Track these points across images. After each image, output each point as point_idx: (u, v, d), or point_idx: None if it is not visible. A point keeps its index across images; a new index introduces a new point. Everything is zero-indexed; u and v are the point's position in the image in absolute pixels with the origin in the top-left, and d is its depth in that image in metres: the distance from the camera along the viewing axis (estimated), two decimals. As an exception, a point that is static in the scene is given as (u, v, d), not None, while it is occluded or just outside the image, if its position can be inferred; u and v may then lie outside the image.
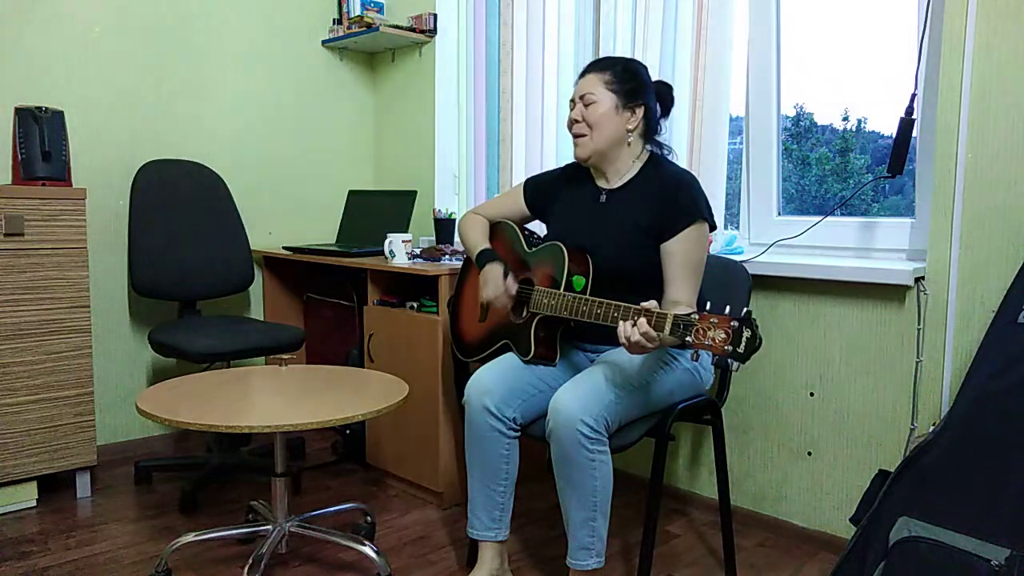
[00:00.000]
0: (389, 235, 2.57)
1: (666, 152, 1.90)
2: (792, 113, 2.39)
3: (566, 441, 1.63)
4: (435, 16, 3.18)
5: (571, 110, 1.85)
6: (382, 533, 2.24)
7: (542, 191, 2.02)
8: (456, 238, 2.87)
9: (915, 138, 2.03)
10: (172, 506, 2.43)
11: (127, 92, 2.86)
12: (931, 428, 1.68)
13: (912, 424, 1.98)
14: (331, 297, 3.19)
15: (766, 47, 2.30)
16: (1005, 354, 1.59)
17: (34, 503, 2.41)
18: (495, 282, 1.86)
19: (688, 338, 1.46)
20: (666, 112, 1.89)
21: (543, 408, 1.78)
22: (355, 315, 3.00)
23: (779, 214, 2.37)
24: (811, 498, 2.19)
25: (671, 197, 1.77)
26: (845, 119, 2.35)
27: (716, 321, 1.43)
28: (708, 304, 1.53)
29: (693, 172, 2.21)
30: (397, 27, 3.18)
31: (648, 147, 1.88)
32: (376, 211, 3.09)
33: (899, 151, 2.00)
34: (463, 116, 3.26)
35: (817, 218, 2.22)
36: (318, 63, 3.38)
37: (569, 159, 1.97)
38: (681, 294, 1.74)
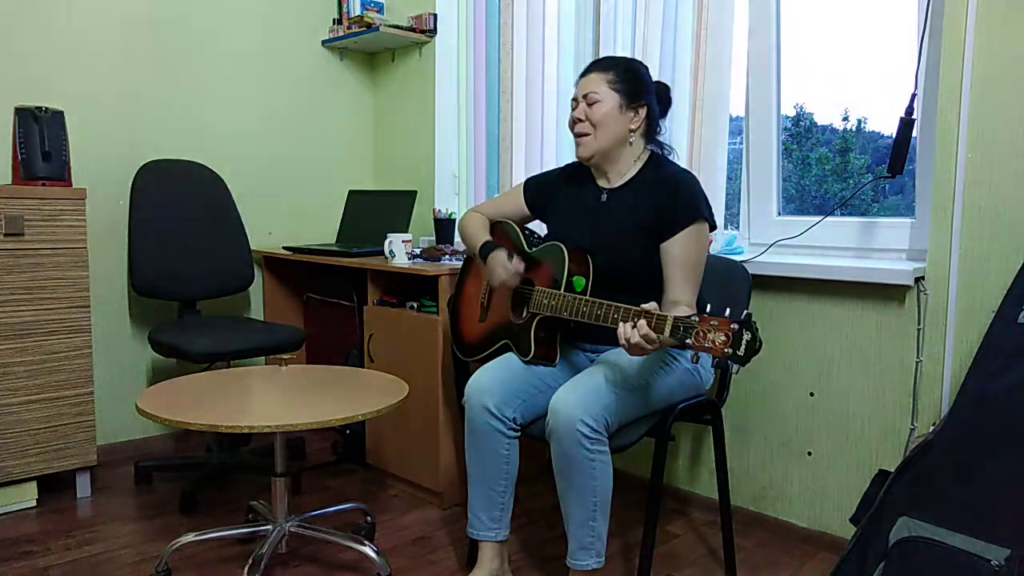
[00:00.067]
0: (389, 235, 2.57)
1: (667, 152, 1.90)
2: (792, 113, 2.39)
3: (566, 441, 1.63)
4: (435, 16, 3.18)
5: (573, 109, 1.84)
6: (382, 533, 2.24)
7: (542, 191, 2.02)
8: (456, 238, 2.87)
9: (915, 138, 2.03)
10: (172, 506, 2.43)
11: (127, 92, 2.86)
12: (931, 428, 1.68)
13: (912, 424, 1.98)
14: (331, 297, 3.19)
15: (766, 47, 2.30)
16: (1005, 354, 1.59)
17: (34, 503, 2.41)
18: (502, 266, 1.85)
19: (688, 340, 1.46)
20: (664, 112, 1.90)
21: (543, 408, 1.78)
22: (355, 315, 3.00)
23: (779, 214, 2.37)
24: (811, 498, 2.19)
25: (671, 197, 1.77)
26: (845, 119, 2.35)
27: (716, 324, 1.43)
28: (708, 306, 1.53)
29: (693, 172, 2.21)
30: (397, 27, 3.18)
31: (649, 147, 1.88)
32: (376, 211, 3.08)
33: (899, 151, 2.00)
34: (463, 116, 3.26)
35: (817, 218, 2.22)
36: (318, 63, 3.38)
37: (569, 159, 1.97)
38: (681, 294, 1.74)
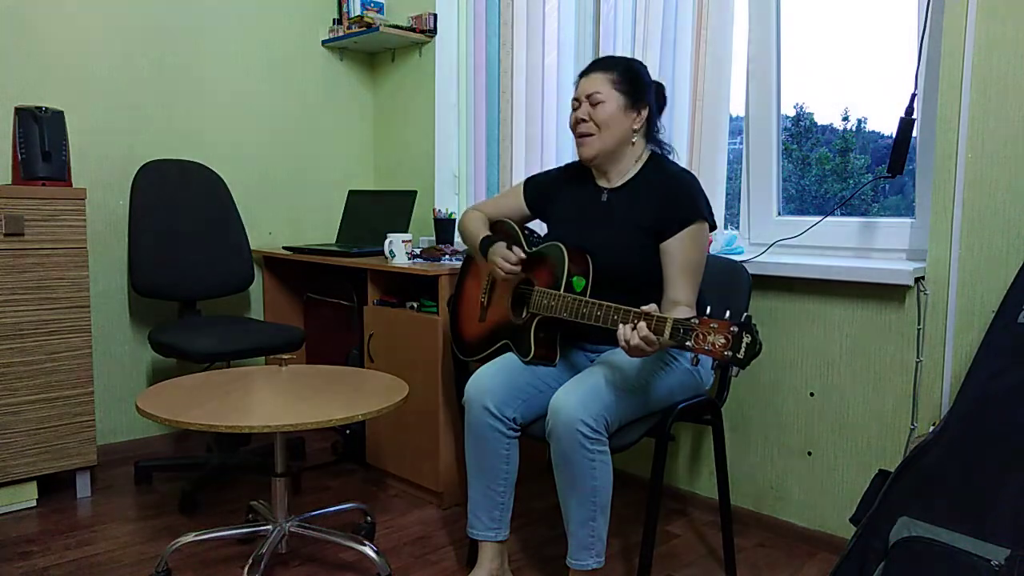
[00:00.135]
0: (389, 235, 2.57)
1: (666, 151, 1.90)
2: (792, 113, 2.39)
3: (566, 441, 1.63)
4: (435, 16, 3.18)
5: (574, 109, 1.84)
6: (382, 533, 2.24)
7: (542, 191, 2.02)
8: (456, 238, 2.87)
9: (915, 138, 2.03)
10: (172, 506, 2.43)
11: (127, 92, 2.86)
12: (931, 428, 1.67)
13: (912, 424, 1.98)
14: (331, 297, 3.19)
15: (766, 47, 2.30)
16: (1005, 354, 1.59)
17: (34, 503, 2.41)
18: (503, 256, 1.86)
19: (688, 343, 1.45)
20: (659, 111, 1.90)
21: (543, 408, 1.78)
22: (355, 315, 3.00)
23: (779, 214, 2.37)
24: (811, 498, 2.19)
25: (671, 196, 1.77)
26: (845, 119, 2.35)
27: (716, 326, 1.42)
28: (708, 308, 1.53)
29: (693, 172, 2.21)
30: (397, 27, 3.18)
31: (649, 146, 1.89)
32: (376, 211, 3.09)
33: (899, 151, 2.00)
34: (463, 116, 3.26)
35: (817, 218, 2.22)
36: (318, 63, 3.38)
37: (569, 159, 1.97)
38: (680, 294, 1.74)
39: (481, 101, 3.14)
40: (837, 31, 2.25)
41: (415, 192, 2.98)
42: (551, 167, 2.22)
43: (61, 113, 2.42)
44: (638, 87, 1.81)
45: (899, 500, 1.58)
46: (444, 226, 2.90)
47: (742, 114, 2.38)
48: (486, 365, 1.88)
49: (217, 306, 3.11)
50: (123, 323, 2.91)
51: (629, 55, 2.24)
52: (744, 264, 2.08)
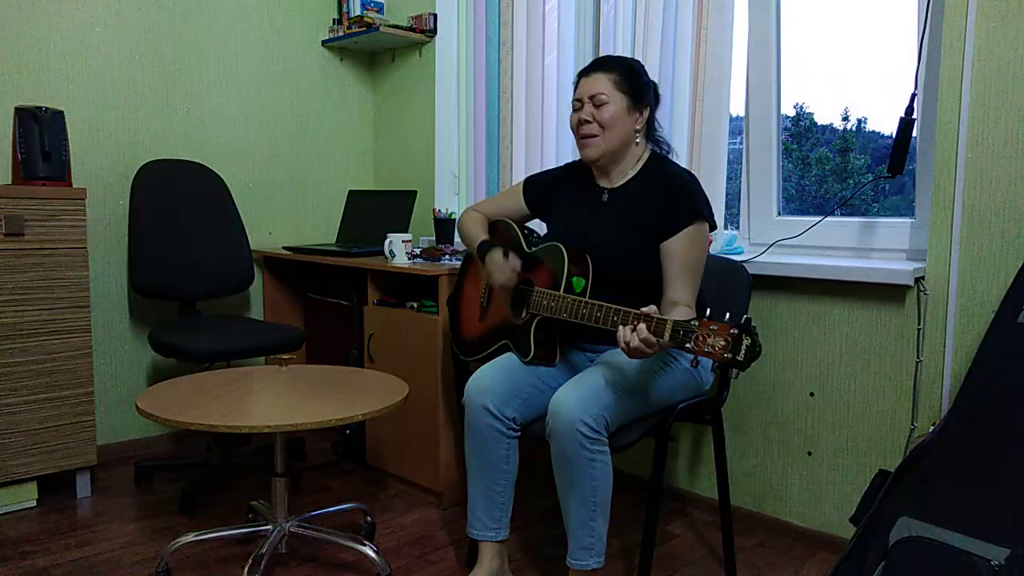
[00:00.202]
0: (389, 235, 2.57)
1: (666, 150, 1.90)
2: (792, 113, 2.39)
3: (566, 441, 1.63)
4: (435, 16, 3.18)
5: (575, 110, 1.84)
6: (382, 533, 2.24)
7: (542, 190, 2.02)
8: (456, 237, 2.87)
9: (915, 138, 2.03)
10: (172, 506, 2.43)
11: (127, 92, 2.86)
12: (931, 428, 1.67)
13: (912, 424, 1.98)
14: (331, 297, 3.19)
15: (766, 47, 2.30)
16: (1005, 354, 1.59)
17: (34, 503, 2.41)
18: (498, 265, 1.86)
19: (688, 345, 1.45)
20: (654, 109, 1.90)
21: (543, 408, 1.78)
22: (355, 315, 3.00)
23: (779, 214, 2.37)
24: (811, 498, 2.19)
25: (671, 196, 1.77)
26: (845, 119, 2.35)
27: (716, 328, 1.42)
28: (708, 309, 1.53)
29: (693, 172, 2.21)
30: (397, 27, 3.18)
31: (649, 146, 1.89)
32: (376, 211, 3.09)
33: (899, 151, 2.00)
34: (463, 116, 3.26)
35: (817, 218, 2.22)
36: (318, 63, 3.38)
37: (569, 159, 1.97)
38: (680, 294, 1.74)
39: (481, 101, 3.14)
40: (837, 31, 2.25)
41: (415, 192, 2.98)
42: (551, 167, 2.22)
43: (61, 113, 2.42)
44: (639, 87, 1.81)
45: (899, 500, 1.58)
46: (444, 226, 2.90)
47: (742, 114, 2.38)
48: (486, 365, 1.88)
49: (217, 306, 3.11)
50: (123, 323, 2.91)
51: (629, 55, 2.24)
52: (744, 264, 2.08)
